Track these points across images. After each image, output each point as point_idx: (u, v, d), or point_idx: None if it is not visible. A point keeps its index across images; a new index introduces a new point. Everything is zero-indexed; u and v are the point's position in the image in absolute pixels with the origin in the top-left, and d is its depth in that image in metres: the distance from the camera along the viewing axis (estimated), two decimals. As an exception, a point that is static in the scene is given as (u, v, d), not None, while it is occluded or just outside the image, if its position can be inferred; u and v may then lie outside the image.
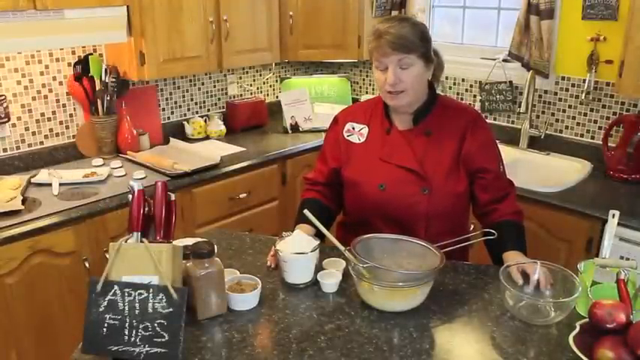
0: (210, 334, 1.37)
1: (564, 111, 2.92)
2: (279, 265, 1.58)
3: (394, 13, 3.34)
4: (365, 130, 1.81)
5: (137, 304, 1.25)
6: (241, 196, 2.81)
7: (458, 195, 1.72)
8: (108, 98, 2.73)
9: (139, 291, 1.25)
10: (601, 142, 2.70)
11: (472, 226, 1.91)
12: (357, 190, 1.77)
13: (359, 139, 1.81)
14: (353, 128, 1.83)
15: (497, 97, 3.06)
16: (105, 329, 1.25)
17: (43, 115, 2.68)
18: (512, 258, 1.60)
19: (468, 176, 1.73)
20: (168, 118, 3.20)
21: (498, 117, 3.17)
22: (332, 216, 1.87)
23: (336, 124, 1.88)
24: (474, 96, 3.23)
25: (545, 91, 2.95)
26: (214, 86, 3.38)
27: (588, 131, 2.85)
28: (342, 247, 1.53)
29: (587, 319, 1.31)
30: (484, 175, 1.73)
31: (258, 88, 3.63)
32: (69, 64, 2.71)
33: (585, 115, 2.85)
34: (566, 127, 2.92)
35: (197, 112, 3.33)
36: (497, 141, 1.85)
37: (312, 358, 1.28)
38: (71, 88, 2.73)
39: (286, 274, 1.57)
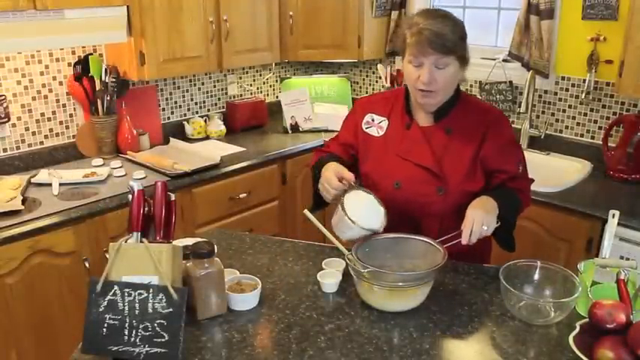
0: (210, 334, 1.37)
1: (564, 111, 2.92)
2: (338, 219, 1.53)
3: (394, 13, 3.35)
4: (384, 123, 1.76)
5: (137, 304, 1.25)
6: (241, 196, 2.81)
7: (474, 195, 1.66)
8: (108, 98, 2.73)
9: (138, 291, 1.25)
10: (601, 142, 2.70)
11: None
12: (372, 187, 1.71)
13: (377, 132, 1.76)
14: (372, 120, 1.78)
15: (497, 97, 3.07)
16: (105, 329, 1.25)
17: (43, 115, 2.68)
18: (476, 200, 1.59)
19: (485, 176, 1.69)
20: (168, 118, 3.20)
21: (498, 117, 3.16)
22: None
23: (355, 112, 1.83)
24: (474, 96, 3.23)
25: (545, 91, 2.95)
26: (214, 86, 3.39)
27: (588, 131, 2.85)
28: (342, 248, 1.53)
29: (587, 319, 1.31)
30: (500, 175, 1.69)
31: (258, 88, 3.64)
32: (69, 64, 2.71)
33: (585, 115, 2.85)
34: (566, 127, 2.93)
35: (197, 112, 3.33)
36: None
37: (312, 358, 1.28)
38: (71, 88, 2.73)
39: (341, 233, 1.54)
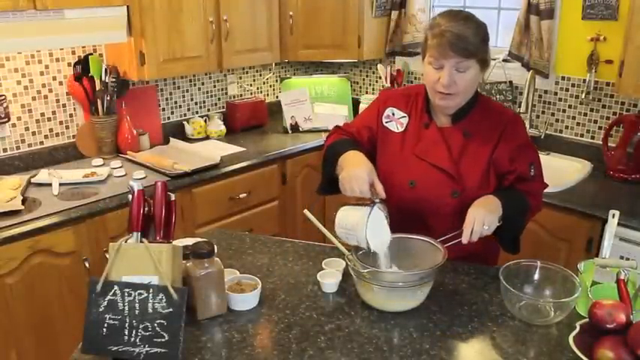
0: (210, 334, 1.37)
1: (564, 111, 2.92)
2: (350, 226, 1.47)
3: (394, 12, 3.35)
4: (405, 120, 1.73)
5: (137, 304, 1.25)
6: (241, 196, 2.81)
7: None
8: (108, 98, 2.73)
9: (138, 291, 1.25)
10: (601, 142, 2.70)
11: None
12: (386, 183, 1.66)
13: (397, 128, 1.74)
14: (393, 114, 1.75)
15: (498, 97, 3.06)
16: (105, 329, 1.25)
17: (43, 115, 2.68)
18: (480, 199, 1.58)
19: (497, 179, 1.68)
20: (168, 118, 3.20)
21: (498, 117, 3.16)
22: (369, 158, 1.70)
23: (379, 102, 1.79)
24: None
25: (545, 91, 2.95)
26: (214, 86, 3.39)
27: (588, 131, 2.85)
28: (342, 248, 1.53)
29: (587, 319, 1.31)
30: (509, 176, 1.67)
31: (258, 88, 3.64)
32: (69, 64, 2.71)
33: (585, 115, 2.85)
34: (566, 127, 2.93)
35: (197, 112, 3.33)
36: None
37: (312, 358, 1.28)
38: (71, 88, 2.73)
39: (344, 237, 1.50)
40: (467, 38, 1.52)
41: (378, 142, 1.77)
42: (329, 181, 1.73)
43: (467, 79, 1.57)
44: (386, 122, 1.76)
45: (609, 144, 2.66)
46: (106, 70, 2.71)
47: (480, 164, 1.66)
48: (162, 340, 1.24)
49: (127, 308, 1.25)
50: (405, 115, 1.74)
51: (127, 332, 1.24)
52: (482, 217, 1.52)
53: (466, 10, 1.74)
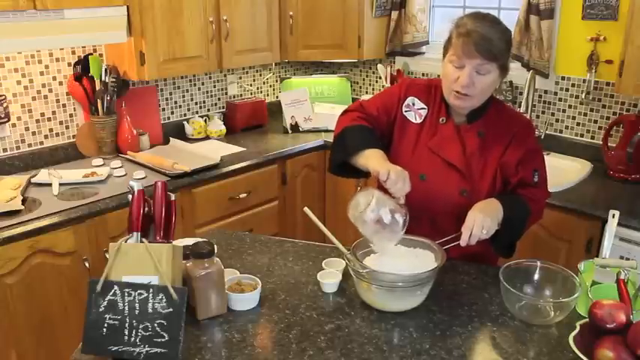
0: (210, 334, 1.37)
1: (564, 111, 2.92)
2: (374, 217, 1.48)
3: (394, 12, 3.35)
4: (424, 112, 1.73)
5: (137, 304, 1.25)
6: (241, 196, 2.81)
7: None
8: (108, 98, 2.73)
9: (138, 291, 1.25)
10: (601, 142, 2.70)
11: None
12: None
13: (416, 119, 1.73)
14: (413, 104, 1.74)
15: (498, 97, 3.06)
16: (105, 329, 1.25)
17: (43, 115, 2.68)
18: (480, 202, 1.58)
19: (503, 183, 1.68)
20: (168, 118, 3.20)
21: (498, 117, 3.16)
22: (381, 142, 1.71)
23: (400, 88, 1.78)
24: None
25: (545, 91, 2.95)
26: (214, 86, 3.39)
27: (588, 131, 2.85)
28: (342, 248, 1.53)
29: (587, 319, 1.31)
30: (512, 180, 1.67)
31: (258, 88, 3.64)
32: (69, 64, 2.71)
33: (585, 115, 2.85)
34: (566, 127, 2.93)
35: (197, 112, 3.33)
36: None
37: (312, 358, 1.28)
38: (71, 88, 2.73)
39: (359, 219, 1.50)
40: (492, 41, 1.53)
41: (395, 129, 1.76)
42: (341, 163, 1.71)
43: (485, 83, 1.58)
44: (405, 111, 1.75)
45: (609, 144, 2.66)
46: (106, 70, 2.70)
47: (490, 166, 1.66)
48: (162, 340, 1.24)
49: (127, 308, 1.25)
50: (425, 107, 1.74)
51: (127, 332, 1.24)
52: (482, 221, 1.52)
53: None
